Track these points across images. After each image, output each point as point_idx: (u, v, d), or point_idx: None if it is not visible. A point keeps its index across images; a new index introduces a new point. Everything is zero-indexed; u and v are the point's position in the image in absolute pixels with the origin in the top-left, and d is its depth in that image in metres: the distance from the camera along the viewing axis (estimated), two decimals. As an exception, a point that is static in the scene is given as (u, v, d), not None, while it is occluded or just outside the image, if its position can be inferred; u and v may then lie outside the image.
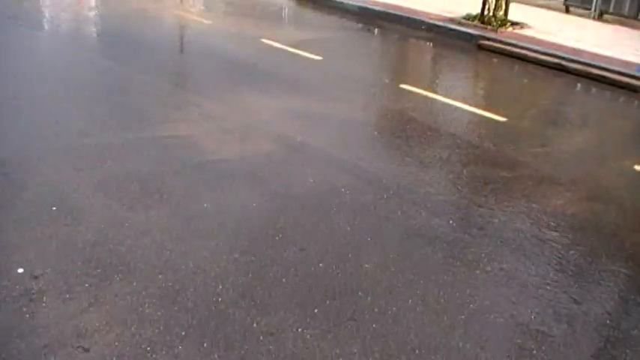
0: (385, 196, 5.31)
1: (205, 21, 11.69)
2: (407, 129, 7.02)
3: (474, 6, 12.03)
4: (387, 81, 8.80)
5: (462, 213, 5.21)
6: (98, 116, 6.72)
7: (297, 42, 10.20)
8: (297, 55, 9.54)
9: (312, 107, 7.41)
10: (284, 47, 9.86)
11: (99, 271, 4.06)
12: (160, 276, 4.05)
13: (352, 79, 8.68)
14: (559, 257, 4.62)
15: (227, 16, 12.61)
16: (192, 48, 10.13)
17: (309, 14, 13.40)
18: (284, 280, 4.10)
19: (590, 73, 9.56)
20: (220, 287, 3.97)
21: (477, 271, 4.35)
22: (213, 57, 9.36)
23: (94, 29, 11.15)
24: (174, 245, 4.41)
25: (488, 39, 10.96)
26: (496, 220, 5.06)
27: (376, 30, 12.29)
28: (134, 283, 3.96)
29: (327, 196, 5.26)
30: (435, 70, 10.28)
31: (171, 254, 4.30)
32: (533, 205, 5.36)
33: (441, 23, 11.85)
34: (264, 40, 10.20)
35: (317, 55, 9.51)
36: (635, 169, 6.42)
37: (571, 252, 4.71)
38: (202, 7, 13.38)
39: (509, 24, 11.65)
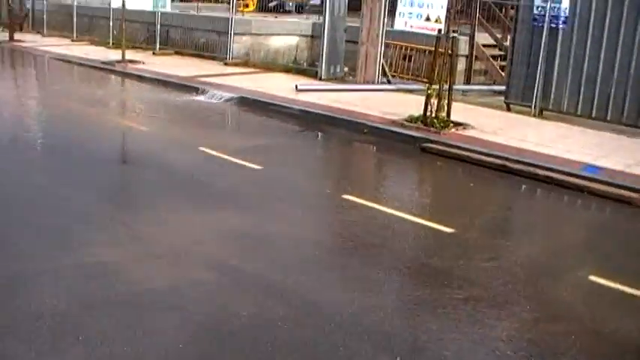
0: (326, 329, 4.83)
1: (143, 128, 11.35)
2: (349, 246, 6.64)
3: (417, 107, 11.95)
4: (328, 191, 8.42)
5: (409, 345, 4.75)
6: (11, 240, 6.18)
7: (237, 150, 9.88)
8: (236, 164, 9.18)
9: (249, 225, 6.97)
10: (223, 156, 9.51)
11: None
12: None
13: (292, 191, 8.33)
14: (519, 395, 4.19)
15: (166, 123, 12.28)
16: (125, 158, 9.71)
17: (250, 119, 13.18)
18: None
19: (536, 174, 9.41)
20: None
21: (430, 421, 3.88)
22: (147, 168, 8.96)
23: (25, 135, 10.69)
24: (84, 403, 3.84)
25: (432, 141, 10.82)
26: (447, 353, 4.61)
27: (318, 134, 12.08)
28: None
29: (263, 331, 4.76)
30: (378, 178, 9.98)
31: (81, 415, 3.73)
32: (487, 332, 4.94)
33: (383, 126, 11.72)
34: (203, 149, 9.85)
35: (257, 164, 9.16)
36: (590, 280, 6.11)
37: (531, 388, 4.29)
38: (142, 114, 13.05)
39: (451, 125, 11.57)
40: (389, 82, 16.51)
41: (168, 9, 32.49)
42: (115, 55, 20.20)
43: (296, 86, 14.89)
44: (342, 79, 17.32)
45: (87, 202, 7.40)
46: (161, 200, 7.61)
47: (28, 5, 34.63)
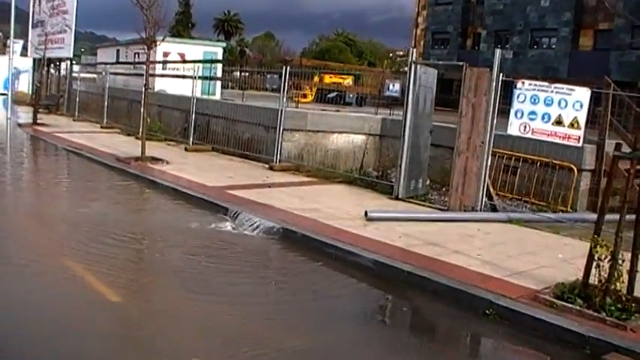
0: None
1: (114, 297, 6.66)
2: None
3: (551, 256, 7.14)
4: None
5: None
6: None
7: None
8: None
9: None
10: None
11: None
12: None
13: None
14: None
15: (158, 286, 7.45)
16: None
17: (293, 277, 8.13)
18: None
19: None
20: None
21: None
22: None
23: None
24: None
25: (617, 349, 5.87)
26: None
27: (404, 319, 7.16)
28: None
29: None
30: None
31: None
32: None
33: (518, 307, 6.71)
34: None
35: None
36: None
37: None
38: (127, 261, 8.29)
39: (634, 307, 6.64)
40: (494, 208, 11.66)
41: (217, 96, 28.65)
42: (139, 149, 15.94)
43: (365, 213, 10.17)
44: (424, 198, 12.62)
45: None
46: None
47: (68, 86, 31.55)
